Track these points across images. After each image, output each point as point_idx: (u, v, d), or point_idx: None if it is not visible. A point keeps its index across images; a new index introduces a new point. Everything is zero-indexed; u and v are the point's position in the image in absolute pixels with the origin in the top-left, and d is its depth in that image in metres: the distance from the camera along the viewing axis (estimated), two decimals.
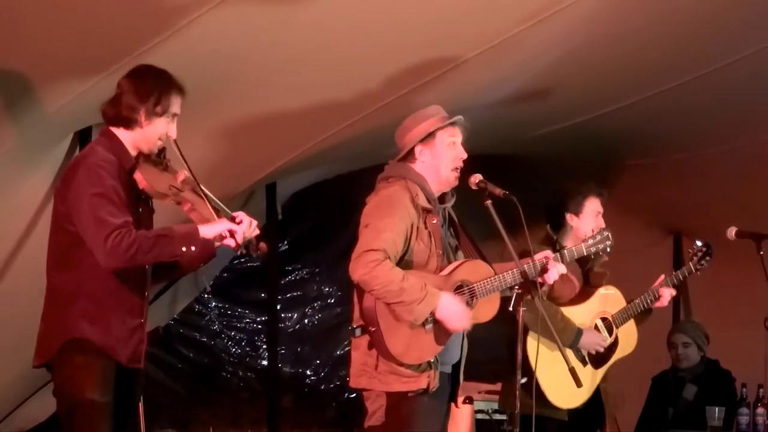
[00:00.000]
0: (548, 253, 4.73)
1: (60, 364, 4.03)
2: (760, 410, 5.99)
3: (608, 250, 5.10)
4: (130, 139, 4.12)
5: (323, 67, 5.39)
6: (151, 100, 4.07)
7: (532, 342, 5.05)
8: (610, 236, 5.06)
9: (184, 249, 4.00)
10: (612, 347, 5.45)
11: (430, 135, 4.64)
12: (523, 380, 4.95)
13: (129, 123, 4.09)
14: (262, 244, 4.21)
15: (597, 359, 5.42)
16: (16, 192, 5.46)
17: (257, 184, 6.92)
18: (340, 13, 4.93)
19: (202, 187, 4.12)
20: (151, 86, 4.10)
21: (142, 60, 4.69)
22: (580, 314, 5.40)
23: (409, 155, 4.67)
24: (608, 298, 5.50)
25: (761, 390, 6.00)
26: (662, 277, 5.54)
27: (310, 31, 5.01)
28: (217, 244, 4.12)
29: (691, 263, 5.59)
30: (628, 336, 5.51)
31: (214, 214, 4.10)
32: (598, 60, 5.88)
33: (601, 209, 5.50)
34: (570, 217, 5.48)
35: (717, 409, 6.11)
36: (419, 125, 4.66)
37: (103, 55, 4.73)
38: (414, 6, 5.03)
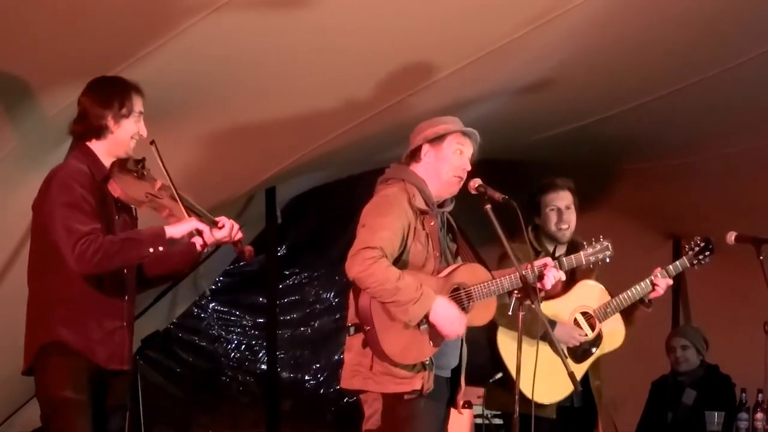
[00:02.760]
0: (548, 259, 4.73)
1: (38, 368, 4.15)
2: (759, 415, 5.97)
3: (608, 260, 5.11)
4: (104, 149, 4.25)
5: (325, 71, 5.39)
6: (116, 104, 4.21)
7: (503, 338, 5.13)
8: (609, 247, 5.09)
9: (151, 250, 4.11)
10: (595, 342, 5.38)
11: (440, 137, 4.64)
12: (498, 375, 5.13)
13: (100, 131, 4.22)
14: (248, 248, 4.34)
15: (578, 354, 5.35)
16: (15, 195, 5.45)
17: (257, 188, 6.91)
18: (343, 16, 4.93)
19: (180, 193, 4.22)
20: (111, 92, 4.24)
21: (144, 62, 4.71)
22: (555, 307, 5.31)
23: (415, 155, 4.67)
24: (589, 292, 5.41)
25: (760, 395, 5.99)
26: (657, 269, 5.40)
27: (311, 35, 5.01)
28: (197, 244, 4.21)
29: (685, 257, 5.45)
30: (613, 332, 5.41)
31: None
32: (600, 63, 5.88)
33: (557, 204, 5.43)
34: (537, 219, 5.50)
35: (716, 413, 6.10)
36: (433, 128, 4.68)
37: (103, 58, 4.73)
38: (418, 9, 5.03)
